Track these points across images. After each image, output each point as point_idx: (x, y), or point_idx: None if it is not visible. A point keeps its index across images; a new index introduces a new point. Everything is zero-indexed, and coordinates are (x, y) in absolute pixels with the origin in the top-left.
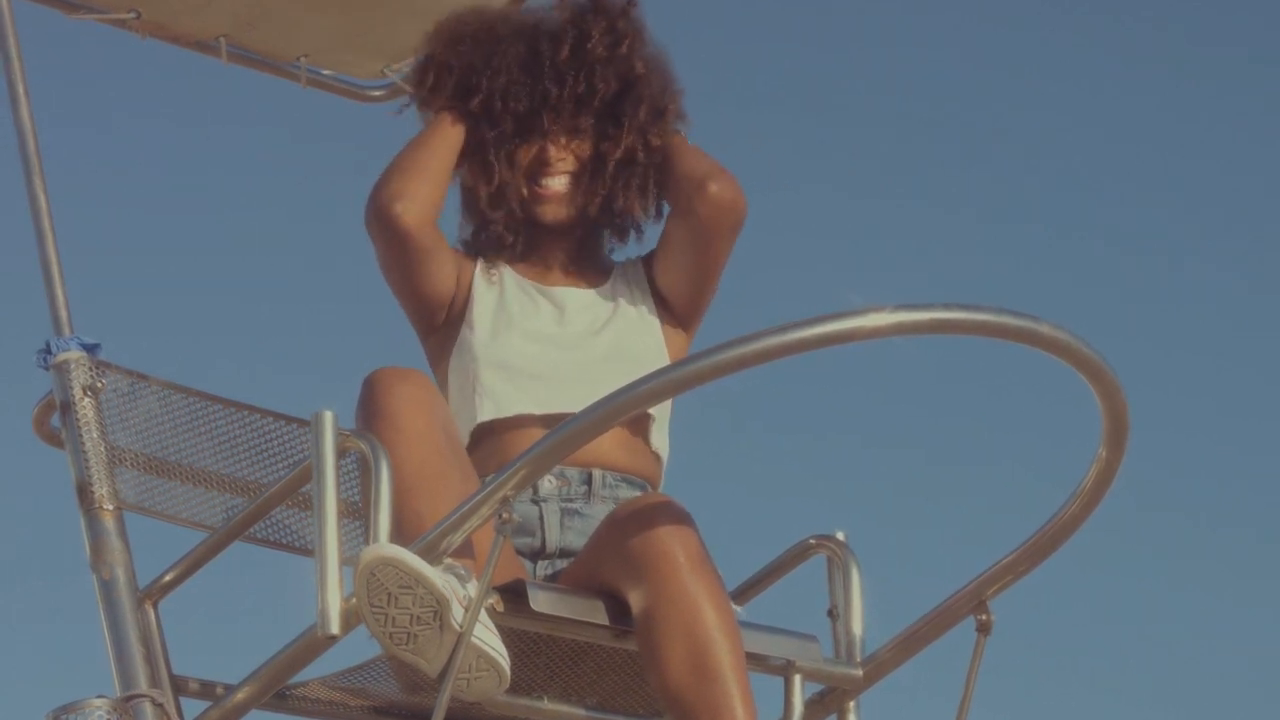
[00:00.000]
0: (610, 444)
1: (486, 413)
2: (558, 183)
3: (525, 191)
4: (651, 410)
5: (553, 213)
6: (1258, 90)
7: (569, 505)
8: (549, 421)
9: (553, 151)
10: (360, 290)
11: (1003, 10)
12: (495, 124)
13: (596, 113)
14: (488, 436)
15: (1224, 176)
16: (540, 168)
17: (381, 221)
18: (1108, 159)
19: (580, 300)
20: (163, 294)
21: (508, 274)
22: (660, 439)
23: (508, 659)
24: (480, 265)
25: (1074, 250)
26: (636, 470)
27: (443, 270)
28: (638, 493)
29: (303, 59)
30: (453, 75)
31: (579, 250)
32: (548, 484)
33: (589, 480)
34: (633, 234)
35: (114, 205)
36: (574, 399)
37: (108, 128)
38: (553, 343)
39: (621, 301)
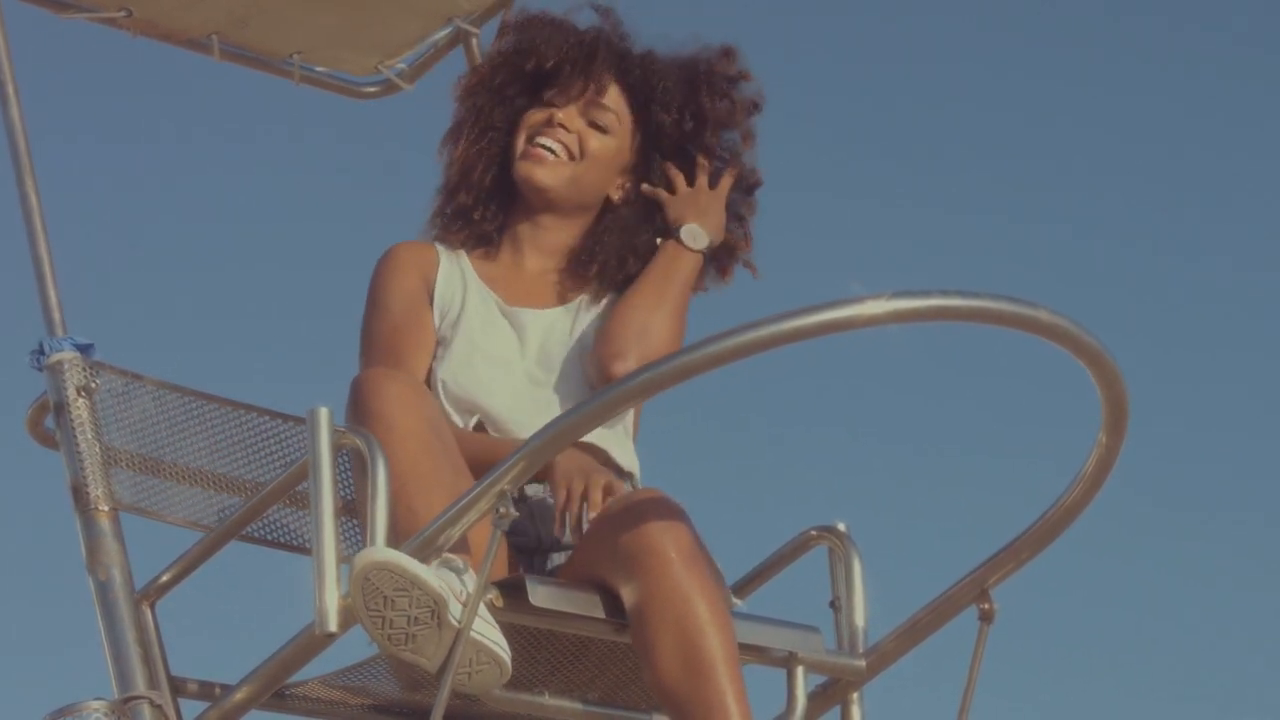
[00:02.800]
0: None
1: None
2: (557, 146)
3: (520, 146)
4: (600, 443)
5: (541, 176)
6: (1259, 83)
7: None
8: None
9: (562, 117)
10: (356, 288)
11: (1008, 6)
12: (539, 82)
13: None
14: None
15: (1224, 170)
16: (545, 127)
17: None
18: (1106, 155)
19: (541, 323)
20: (157, 293)
21: (470, 279)
22: (625, 457)
23: (508, 651)
24: (443, 262)
25: (1072, 244)
26: (611, 466)
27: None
28: (625, 475)
29: (296, 56)
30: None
31: (558, 256)
32: (530, 486)
33: None
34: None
35: (107, 204)
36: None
37: (101, 127)
38: (509, 371)
39: (587, 325)
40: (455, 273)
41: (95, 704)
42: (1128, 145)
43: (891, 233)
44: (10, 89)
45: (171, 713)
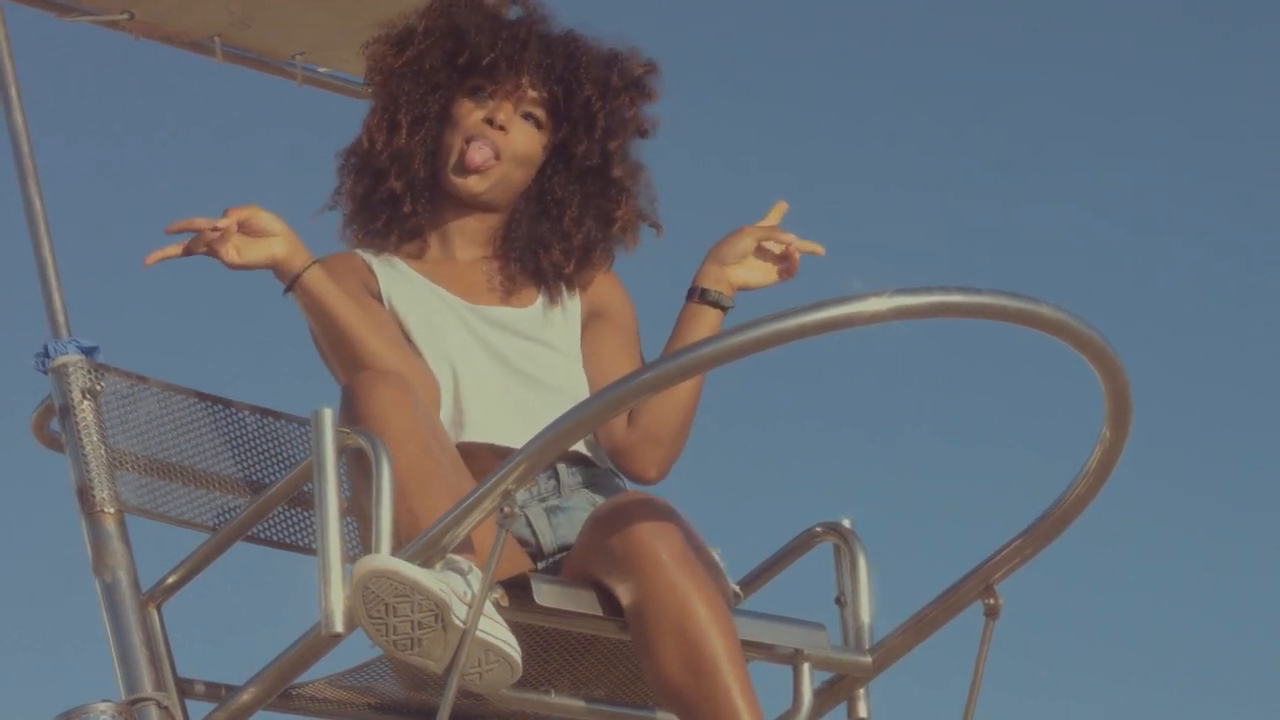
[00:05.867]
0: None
1: None
2: (496, 149)
3: (458, 146)
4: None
5: (475, 183)
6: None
7: (549, 504)
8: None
9: (502, 119)
10: None
11: None
12: (465, 71)
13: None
14: None
15: (1231, 160)
16: (485, 126)
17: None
18: (1107, 145)
19: (510, 321)
20: (161, 295)
21: (417, 280)
22: (601, 460)
23: (518, 649)
24: (377, 267)
25: (1072, 231)
26: (597, 459)
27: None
28: (605, 473)
29: (298, 57)
30: (443, 36)
31: (481, 245)
32: (519, 492)
33: (556, 475)
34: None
35: (111, 206)
36: (514, 429)
37: (103, 129)
38: (494, 365)
39: (553, 321)
40: (395, 276)
41: (102, 706)
42: (1135, 134)
43: (891, 224)
44: (13, 91)
45: (178, 714)
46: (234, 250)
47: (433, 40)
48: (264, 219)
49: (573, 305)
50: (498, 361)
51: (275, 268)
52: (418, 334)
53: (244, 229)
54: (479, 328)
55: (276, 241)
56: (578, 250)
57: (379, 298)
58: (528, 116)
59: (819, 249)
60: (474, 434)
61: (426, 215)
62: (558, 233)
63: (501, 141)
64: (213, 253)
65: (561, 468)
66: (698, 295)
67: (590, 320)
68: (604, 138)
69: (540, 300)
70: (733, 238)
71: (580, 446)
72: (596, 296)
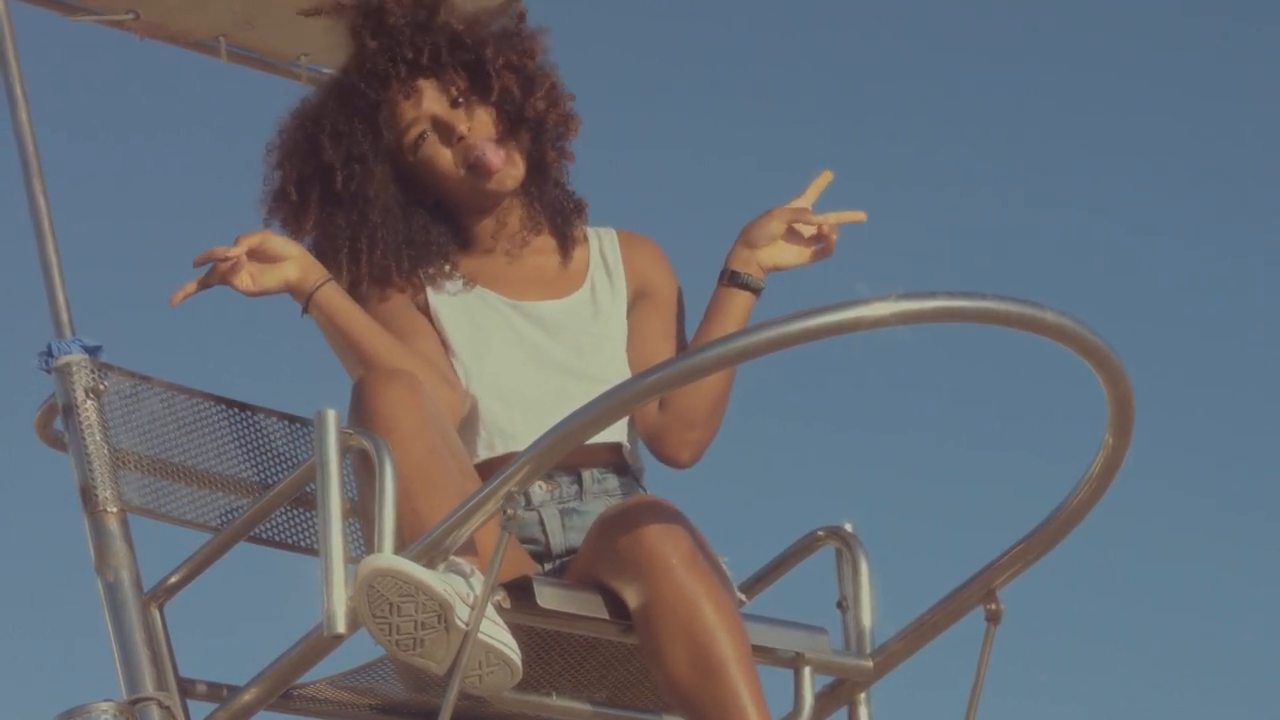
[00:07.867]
0: (592, 443)
1: (480, 455)
2: (493, 150)
3: (460, 175)
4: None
5: (514, 175)
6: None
7: (565, 506)
8: None
9: (462, 130)
10: None
11: None
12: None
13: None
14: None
15: (1224, 159)
16: (464, 144)
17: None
18: (1107, 145)
19: (557, 314)
20: (165, 294)
21: (466, 284)
22: (634, 459)
23: (518, 652)
24: (424, 275)
25: (1072, 231)
26: (623, 463)
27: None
28: (629, 481)
29: (303, 58)
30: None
31: (515, 230)
32: (539, 490)
33: (579, 480)
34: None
35: (115, 205)
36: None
37: (108, 127)
38: (538, 368)
39: (602, 309)
40: (445, 285)
41: (104, 705)
42: (1135, 134)
43: (891, 224)
44: (18, 90)
45: (180, 714)
46: (249, 278)
47: (309, 164)
48: (276, 243)
49: (619, 284)
50: (543, 364)
51: (290, 291)
52: (459, 341)
53: (256, 255)
54: (524, 329)
55: (290, 265)
56: (557, 168)
57: (425, 308)
58: (456, 103)
59: (860, 216)
60: (524, 443)
61: (452, 237)
62: (550, 177)
63: (480, 132)
64: (227, 283)
65: (587, 473)
66: (728, 278)
67: (635, 300)
68: (503, 61)
69: (587, 284)
70: (761, 220)
71: (619, 435)
72: (641, 275)
